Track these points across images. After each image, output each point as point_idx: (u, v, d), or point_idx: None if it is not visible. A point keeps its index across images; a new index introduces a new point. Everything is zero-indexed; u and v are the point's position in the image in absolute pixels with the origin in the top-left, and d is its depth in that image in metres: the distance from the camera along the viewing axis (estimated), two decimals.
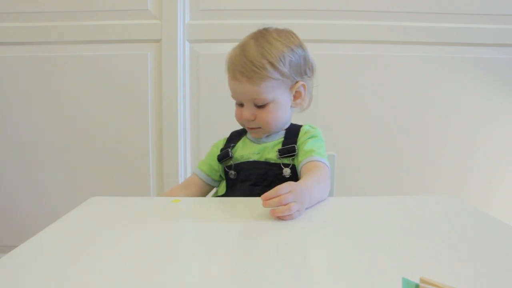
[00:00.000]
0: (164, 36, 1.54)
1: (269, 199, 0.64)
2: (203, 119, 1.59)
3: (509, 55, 1.55)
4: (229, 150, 0.92)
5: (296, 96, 0.91)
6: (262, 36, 0.88)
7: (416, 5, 1.53)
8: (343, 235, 0.59)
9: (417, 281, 0.37)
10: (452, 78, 1.56)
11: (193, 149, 1.61)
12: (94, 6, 1.55)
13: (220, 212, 0.71)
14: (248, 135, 0.96)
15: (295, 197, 0.65)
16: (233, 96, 0.90)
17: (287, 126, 0.94)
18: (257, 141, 0.93)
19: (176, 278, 0.45)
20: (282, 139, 0.91)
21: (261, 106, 0.87)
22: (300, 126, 0.94)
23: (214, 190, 1.00)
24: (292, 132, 0.92)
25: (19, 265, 0.48)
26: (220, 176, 0.97)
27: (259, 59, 0.84)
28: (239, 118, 0.91)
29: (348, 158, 1.56)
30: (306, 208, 0.69)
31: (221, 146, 0.97)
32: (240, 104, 0.90)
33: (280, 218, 0.64)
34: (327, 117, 1.57)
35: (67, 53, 1.58)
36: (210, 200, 0.90)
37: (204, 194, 0.99)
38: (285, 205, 0.63)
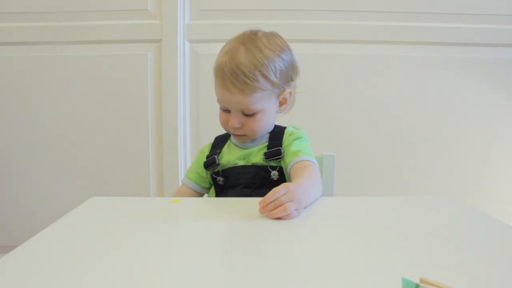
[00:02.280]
0: (164, 36, 1.54)
1: (267, 204, 0.64)
2: (203, 119, 1.59)
3: (509, 55, 1.55)
4: (216, 157, 0.91)
5: (282, 102, 0.90)
6: (251, 42, 0.85)
7: (416, 5, 1.53)
8: (343, 235, 0.59)
9: (417, 281, 0.37)
10: (452, 78, 1.56)
11: (193, 149, 1.61)
12: (94, 6, 1.55)
13: (219, 212, 0.71)
14: (233, 139, 0.95)
15: (291, 197, 0.65)
16: (220, 103, 0.89)
17: (271, 129, 0.93)
18: (242, 145, 0.92)
19: (176, 277, 0.45)
20: (267, 142, 0.91)
21: (249, 115, 0.86)
22: (284, 127, 0.94)
23: (205, 196, 0.99)
24: (276, 135, 0.91)
25: (19, 265, 0.48)
26: (209, 182, 0.96)
27: (251, 70, 0.81)
28: (225, 125, 0.90)
29: (348, 158, 1.56)
30: (305, 207, 0.69)
31: (206, 152, 0.96)
32: (226, 110, 0.88)
33: (279, 218, 0.64)
34: (327, 117, 1.57)
35: (67, 53, 1.58)
36: (209, 200, 0.90)
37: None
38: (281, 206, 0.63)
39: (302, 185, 0.71)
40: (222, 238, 0.58)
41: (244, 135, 0.89)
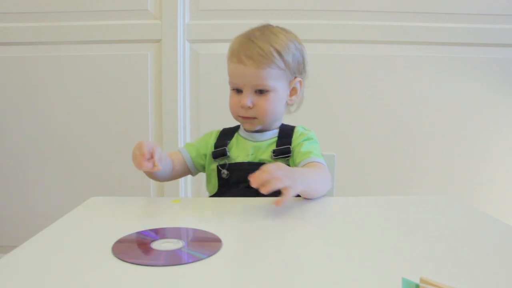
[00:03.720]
0: (164, 36, 1.54)
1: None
2: (203, 119, 1.59)
3: (509, 55, 1.55)
4: (226, 148, 0.91)
5: (292, 92, 0.92)
6: (267, 28, 0.90)
7: (416, 5, 1.53)
8: (343, 235, 0.59)
9: (417, 281, 0.37)
10: (452, 78, 1.56)
11: None
12: (94, 6, 1.55)
13: (220, 212, 0.71)
14: (241, 131, 0.95)
15: (277, 168, 0.66)
16: (233, 81, 0.89)
17: (279, 125, 0.94)
18: (250, 137, 0.92)
19: (176, 277, 0.45)
20: (276, 138, 0.91)
21: (261, 94, 0.86)
22: (293, 127, 0.94)
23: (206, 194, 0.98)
24: (286, 132, 0.92)
25: (19, 265, 0.48)
26: (203, 167, 0.95)
27: (267, 46, 0.85)
28: (235, 106, 0.89)
29: (348, 158, 1.56)
30: (304, 198, 0.70)
31: (213, 139, 0.95)
32: (238, 91, 0.88)
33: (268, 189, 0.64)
34: (327, 117, 1.57)
35: (67, 53, 1.58)
36: (209, 200, 0.90)
37: (180, 175, 0.96)
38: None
39: (297, 168, 0.74)
40: (222, 238, 0.58)
41: (254, 118, 0.88)
